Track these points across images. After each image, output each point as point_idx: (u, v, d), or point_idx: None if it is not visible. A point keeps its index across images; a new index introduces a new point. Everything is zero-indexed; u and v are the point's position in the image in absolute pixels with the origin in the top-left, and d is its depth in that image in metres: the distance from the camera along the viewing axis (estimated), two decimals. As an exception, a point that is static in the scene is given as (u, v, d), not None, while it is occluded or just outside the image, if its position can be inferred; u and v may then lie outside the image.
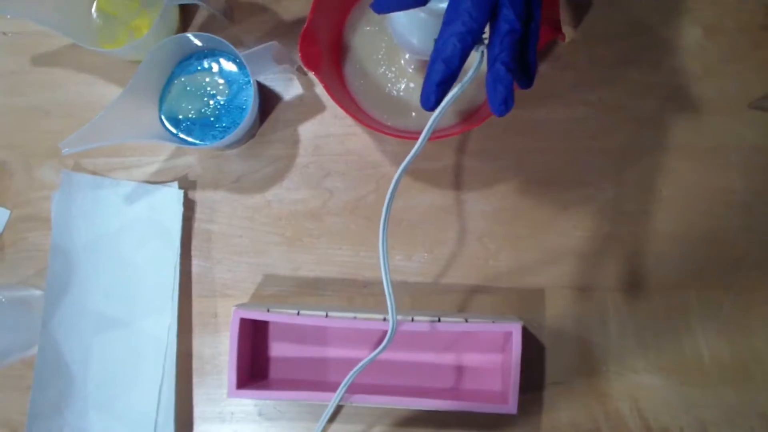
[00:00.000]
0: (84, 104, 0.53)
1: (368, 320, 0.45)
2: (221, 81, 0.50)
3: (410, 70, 0.50)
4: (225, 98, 0.50)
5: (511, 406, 0.44)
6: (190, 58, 0.50)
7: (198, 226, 0.52)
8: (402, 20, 0.39)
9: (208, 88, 0.50)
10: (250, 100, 0.49)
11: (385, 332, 0.41)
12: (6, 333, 0.48)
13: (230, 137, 0.47)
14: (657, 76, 0.51)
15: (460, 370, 0.49)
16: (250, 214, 0.52)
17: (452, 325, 0.44)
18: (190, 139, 0.49)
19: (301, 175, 0.52)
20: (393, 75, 0.50)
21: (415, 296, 0.50)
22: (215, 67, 0.50)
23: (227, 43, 0.46)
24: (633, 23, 0.51)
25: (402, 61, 0.50)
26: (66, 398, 0.50)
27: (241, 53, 0.46)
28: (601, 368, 0.49)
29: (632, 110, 0.51)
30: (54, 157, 0.53)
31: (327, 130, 0.52)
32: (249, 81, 0.49)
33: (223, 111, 0.49)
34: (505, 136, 0.51)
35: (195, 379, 0.50)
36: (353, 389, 0.46)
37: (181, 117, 0.50)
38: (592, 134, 0.51)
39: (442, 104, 0.32)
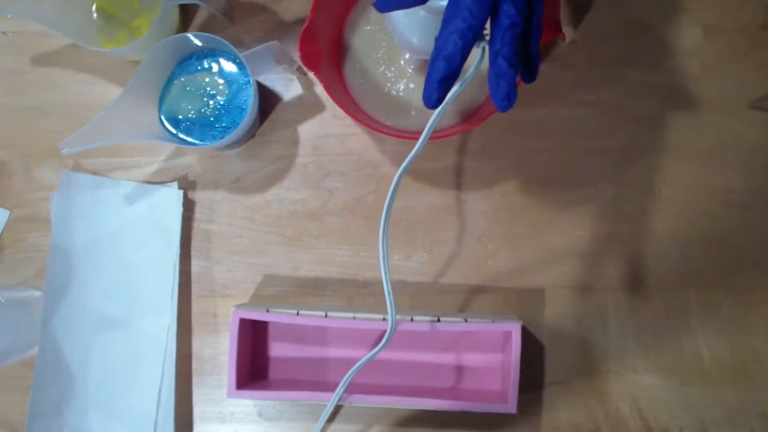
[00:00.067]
0: (84, 104, 0.53)
1: (368, 320, 0.45)
2: (221, 81, 0.50)
3: (410, 70, 0.50)
4: (225, 98, 0.50)
5: (510, 406, 0.44)
6: (189, 58, 0.50)
7: (198, 226, 0.52)
8: (402, 19, 0.39)
9: (208, 88, 0.50)
10: (249, 100, 0.49)
11: (385, 332, 0.41)
12: (6, 334, 0.48)
13: (230, 137, 0.47)
14: (657, 76, 0.51)
15: (459, 369, 0.49)
16: (250, 214, 0.52)
17: (452, 324, 0.44)
18: (189, 139, 0.49)
19: (301, 175, 0.52)
20: (393, 75, 0.50)
21: (415, 296, 0.50)
22: (215, 67, 0.50)
23: (227, 43, 0.46)
24: (633, 23, 0.51)
25: (402, 61, 0.50)
26: (66, 398, 0.50)
27: (241, 53, 0.46)
28: (600, 368, 0.49)
29: (632, 110, 0.51)
30: (54, 157, 0.53)
31: (327, 130, 0.52)
32: (249, 81, 0.49)
33: (222, 111, 0.49)
34: (505, 136, 0.51)
35: (195, 379, 0.50)
36: (353, 389, 0.46)
37: (180, 117, 0.50)
38: (591, 134, 0.51)
39: (444, 102, 0.32)
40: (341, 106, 0.44)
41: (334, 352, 0.49)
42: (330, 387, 0.45)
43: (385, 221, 0.36)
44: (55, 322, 0.50)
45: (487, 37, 0.32)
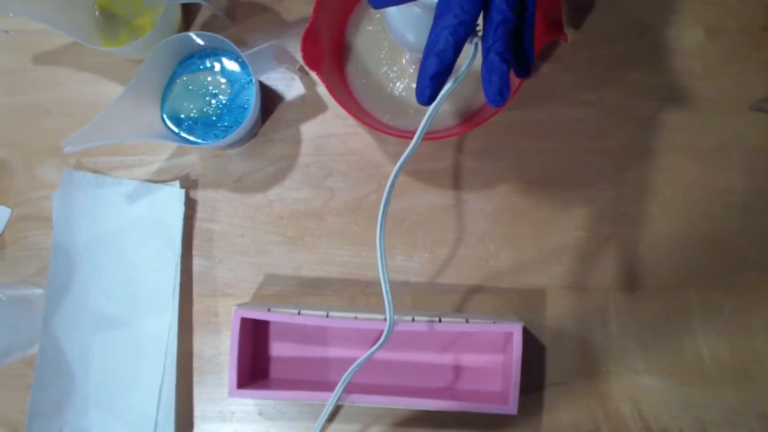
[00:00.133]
0: (85, 103, 0.53)
1: (369, 320, 0.45)
2: (223, 80, 0.50)
3: (411, 70, 0.50)
4: (227, 97, 0.50)
5: (511, 407, 0.44)
6: (192, 57, 0.50)
7: (199, 225, 0.52)
8: (397, 16, 0.39)
9: (210, 88, 0.50)
10: (252, 99, 0.49)
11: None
12: (7, 332, 0.48)
13: (232, 136, 0.47)
14: (658, 77, 0.51)
15: (460, 370, 0.49)
16: (252, 214, 0.52)
17: (453, 325, 0.44)
18: (191, 138, 0.49)
19: (303, 175, 0.52)
20: (395, 75, 0.50)
21: (416, 296, 0.50)
22: (217, 67, 0.50)
23: (229, 42, 0.46)
24: (634, 24, 0.51)
25: (403, 61, 0.50)
26: (66, 397, 0.50)
27: (243, 53, 0.46)
28: (601, 369, 0.49)
29: (633, 111, 0.51)
30: (55, 155, 0.53)
31: (329, 129, 0.52)
32: (251, 80, 0.49)
33: (224, 110, 0.49)
34: (506, 137, 0.51)
35: (195, 379, 0.50)
36: (354, 389, 0.46)
37: (183, 116, 0.50)
38: (593, 135, 0.51)
39: (438, 98, 0.32)
40: (343, 106, 0.44)
41: (335, 352, 0.49)
42: (331, 387, 0.45)
43: (382, 218, 0.36)
44: (56, 321, 0.50)
45: (480, 34, 0.32)
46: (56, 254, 0.51)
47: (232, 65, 0.50)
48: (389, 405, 0.45)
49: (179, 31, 0.53)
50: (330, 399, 0.44)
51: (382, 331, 0.42)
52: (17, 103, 0.54)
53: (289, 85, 0.53)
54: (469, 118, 0.49)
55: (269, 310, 0.46)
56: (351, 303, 0.51)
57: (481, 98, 0.49)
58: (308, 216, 0.51)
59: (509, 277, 0.50)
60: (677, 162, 0.50)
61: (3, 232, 0.53)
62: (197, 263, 0.51)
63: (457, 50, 0.31)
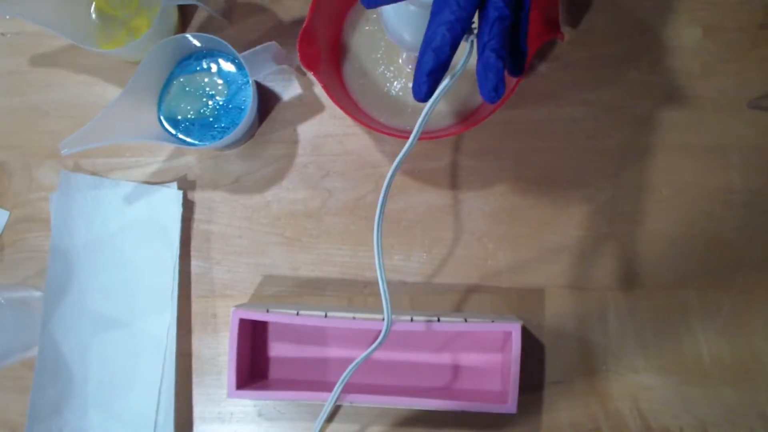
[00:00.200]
0: (83, 105, 0.53)
1: (367, 320, 0.45)
2: (220, 81, 0.50)
3: (408, 69, 0.50)
4: (224, 98, 0.49)
5: (510, 406, 0.44)
6: (189, 59, 0.50)
7: (197, 226, 0.52)
8: (393, 16, 0.39)
9: (207, 89, 0.50)
10: (249, 100, 0.49)
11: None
12: (5, 334, 0.48)
13: (229, 137, 0.47)
14: (656, 75, 0.51)
15: (459, 369, 0.49)
16: (250, 215, 0.52)
17: (452, 325, 0.44)
18: (189, 139, 0.49)
19: (300, 175, 0.52)
20: (392, 74, 0.50)
21: (415, 296, 0.50)
22: (214, 68, 0.50)
23: (226, 43, 0.46)
24: (632, 23, 0.51)
25: (400, 60, 0.50)
26: (66, 398, 0.50)
27: (240, 53, 0.46)
28: (600, 368, 0.49)
29: (631, 110, 0.51)
30: (53, 157, 0.53)
31: (326, 130, 0.52)
32: (248, 81, 0.49)
33: (222, 111, 0.49)
34: (505, 136, 0.51)
35: (194, 380, 0.50)
36: (353, 389, 0.46)
37: (180, 117, 0.50)
38: (591, 134, 0.51)
39: (435, 95, 0.32)
40: (340, 106, 0.44)
41: (333, 352, 0.49)
42: (330, 387, 0.45)
43: (379, 217, 0.36)
44: (55, 322, 0.50)
45: (476, 31, 0.32)
46: (55, 256, 0.51)
47: (228, 66, 0.50)
48: (389, 405, 0.45)
49: (176, 33, 0.53)
50: (329, 399, 0.44)
51: (381, 331, 0.42)
52: (15, 104, 0.54)
53: (286, 85, 0.53)
54: (466, 117, 0.49)
55: (268, 311, 0.46)
56: (349, 303, 0.51)
57: (478, 97, 0.49)
58: (306, 216, 0.51)
59: (508, 276, 0.50)
60: (676, 161, 0.50)
61: (1, 234, 0.53)
62: (195, 264, 0.51)
63: (454, 46, 0.31)
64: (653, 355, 0.49)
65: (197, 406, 0.50)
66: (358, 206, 0.51)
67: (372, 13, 0.50)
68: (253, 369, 0.49)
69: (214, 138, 0.49)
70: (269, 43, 0.46)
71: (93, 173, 0.52)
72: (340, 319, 0.45)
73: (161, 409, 0.49)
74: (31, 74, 0.54)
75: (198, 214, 0.52)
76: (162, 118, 0.50)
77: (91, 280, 0.51)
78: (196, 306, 0.51)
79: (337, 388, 0.44)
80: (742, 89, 0.50)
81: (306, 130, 0.52)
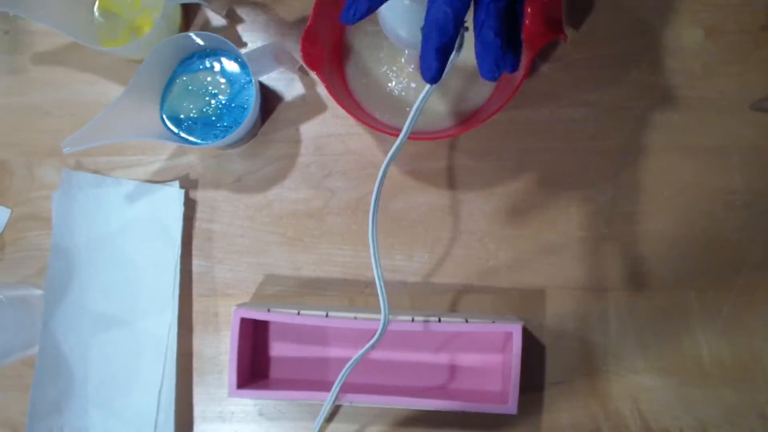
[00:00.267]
0: (85, 103, 0.53)
1: (369, 320, 0.45)
2: (223, 80, 0.50)
3: (411, 69, 0.50)
4: (226, 97, 0.50)
5: (511, 406, 0.44)
6: (191, 57, 0.50)
7: (199, 225, 0.52)
8: (388, 15, 0.40)
9: (210, 88, 0.50)
10: (251, 99, 0.49)
11: (386, 332, 0.41)
12: (6, 332, 0.48)
13: (232, 137, 0.47)
14: (658, 76, 0.51)
15: (460, 370, 0.49)
16: (251, 214, 0.52)
17: (452, 325, 0.44)
18: (191, 138, 0.49)
19: (303, 175, 0.52)
20: (394, 74, 0.50)
21: (415, 296, 0.50)
22: (217, 67, 0.50)
23: (229, 42, 0.46)
24: (634, 24, 0.51)
25: (403, 60, 0.50)
26: (66, 397, 0.50)
27: (243, 52, 0.46)
28: (601, 368, 0.49)
29: (633, 110, 0.51)
30: (55, 156, 0.53)
31: (328, 129, 0.52)
32: (250, 80, 0.49)
33: (224, 110, 0.49)
34: (506, 137, 0.51)
35: (195, 379, 0.50)
36: (353, 389, 0.46)
37: (182, 116, 0.50)
38: (592, 134, 0.51)
39: (429, 92, 0.32)
40: (343, 106, 0.44)
41: (335, 352, 0.49)
42: (330, 387, 0.45)
43: (374, 213, 0.36)
44: (56, 321, 0.50)
45: (467, 26, 0.32)
46: (56, 254, 0.51)
47: (231, 65, 0.50)
48: (389, 405, 0.45)
49: (179, 31, 0.53)
50: (327, 399, 0.44)
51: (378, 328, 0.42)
52: (17, 103, 0.54)
53: (289, 85, 0.53)
54: (467, 118, 0.49)
55: (269, 311, 0.46)
56: (351, 303, 0.51)
57: (479, 98, 0.49)
58: (308, 216, 0.51)
59: (508, 276, 0.50)
60: (676, 161, 0.50)
61: (2, 232, 0.53)
62: (197, 263, 0.51)
63: (458, 24, 0.31)
64: (653, 355, 0.49)
65: (198, 405, 0.50)
66: (360, 206, 0.51)
67: (375, 14, 0.50)
68: (254, 368, 0.49)
69: (216, 137, 0.49)
70: (272, 42, 0.46)
71: (95, 171, 0.52)
72: (342, 319, 0.45)
73: (162, 408, 0.49)
74: (33, 72, 0.54)
75: (200, 213, 0.52)
76: (164, 116, 0.50)
77: (92, 279, 0.51)
78: (197, 305, 0.51)
79: (335, 387, 0.44)
80: (743, 91, 0.50)
81: (308, 129, 0.52)
